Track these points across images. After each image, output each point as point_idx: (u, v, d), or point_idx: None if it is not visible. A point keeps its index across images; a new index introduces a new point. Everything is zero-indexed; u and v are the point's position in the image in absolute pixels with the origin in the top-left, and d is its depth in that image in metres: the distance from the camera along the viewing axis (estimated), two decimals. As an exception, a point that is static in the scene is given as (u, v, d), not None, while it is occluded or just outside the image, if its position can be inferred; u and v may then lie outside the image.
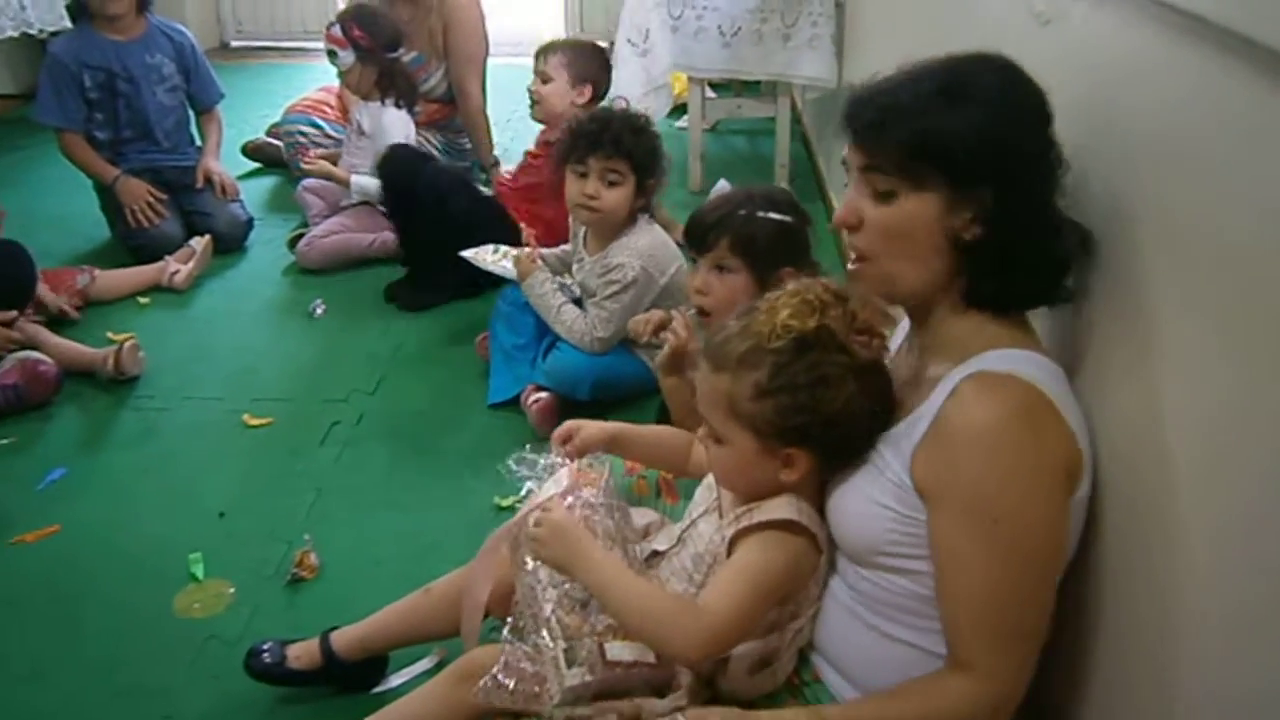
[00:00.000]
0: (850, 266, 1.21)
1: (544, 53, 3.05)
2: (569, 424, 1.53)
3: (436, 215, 2.86)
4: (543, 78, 3.02)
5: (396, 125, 3.24)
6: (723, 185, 1.90)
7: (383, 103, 3.25)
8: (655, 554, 1.38)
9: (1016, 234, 1.11)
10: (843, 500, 1.20)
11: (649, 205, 2.35)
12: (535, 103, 3.06)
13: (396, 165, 2.98)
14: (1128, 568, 1.09)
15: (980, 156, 1.09)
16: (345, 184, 3.22)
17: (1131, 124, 1.10)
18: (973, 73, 1.13)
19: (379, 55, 3.22)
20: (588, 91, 3.04)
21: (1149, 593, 1.04)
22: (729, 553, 1.23)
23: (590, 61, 3.08)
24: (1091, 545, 1.15)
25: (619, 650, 1.21)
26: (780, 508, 1.21)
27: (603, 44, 3.25)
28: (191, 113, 3.51)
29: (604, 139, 2.23)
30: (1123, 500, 1.10)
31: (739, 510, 1.24)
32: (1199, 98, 0.96)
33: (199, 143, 3.51)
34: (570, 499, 1.30)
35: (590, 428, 1.52)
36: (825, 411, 1.15)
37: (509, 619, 1.32)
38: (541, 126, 3.15)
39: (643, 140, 2.27)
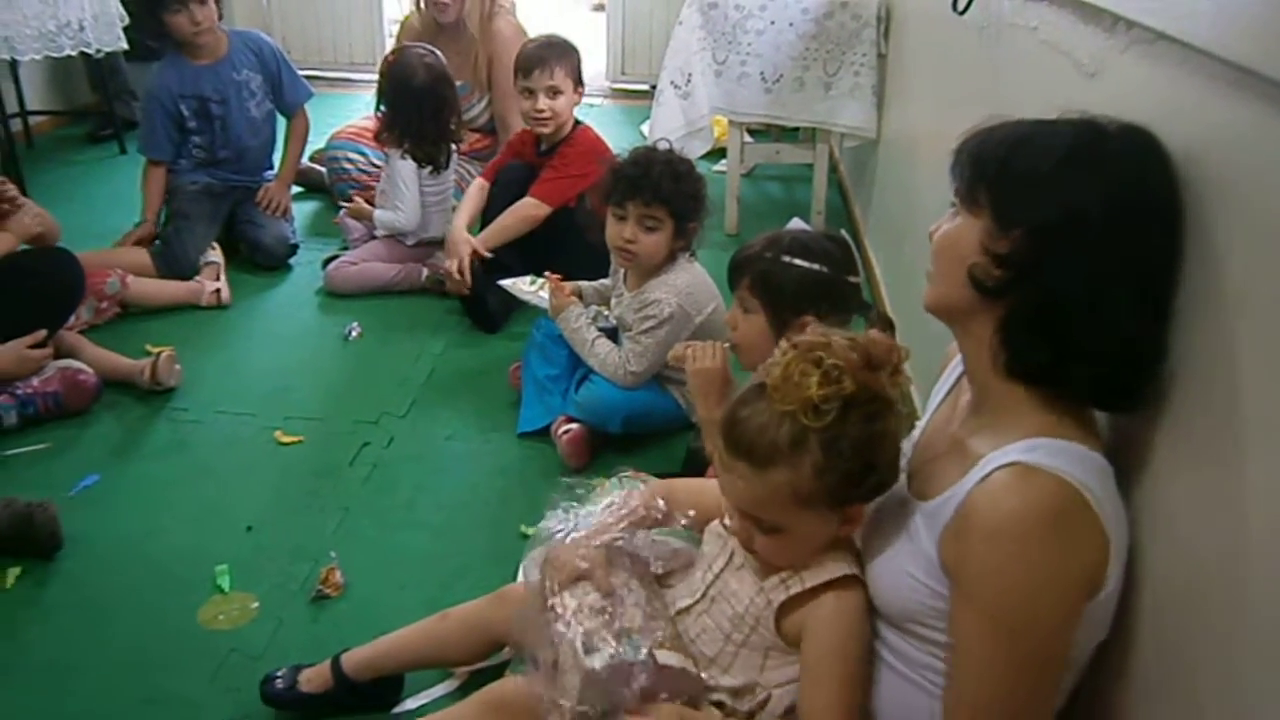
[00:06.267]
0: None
1: (542, 66, 2.91)
2: None
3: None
4: (551, 92, 2.93)
5: (405, 173, 3.20)
6: (796, 223, 1.88)
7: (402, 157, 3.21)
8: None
9: (1050, 300, 1.04)
10: (878, 566, 1.20)
11: (690, 245, 2.34)
12: (546, 118, 2.94)
13: None
14: (1167, 671, 1.05)
15: (1022, 194, 1.04)
16: (370, 218, 3.25)
17: (1180, 172, 1.08)
18: (1098, 128, 1.06)
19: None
20: (583, 89, 3.05)
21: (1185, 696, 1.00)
22: (777, 618, 1.23)
23: (577, 57, 3.03)
24: (1123, 643, 1.11)
25: (668, 657, 1.25)
26: (836, 566, 1.22)
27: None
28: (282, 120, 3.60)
29: (643, 184, 2.22)
30: (1163, 599, 1.06)
31: (783, 575, 1.24)
32: (1247, 148, 0.95)
33: (276, 168, 3.61)
34: (621, 542, 1.35)
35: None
36: (881, 461, 1.17)
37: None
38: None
39: (683, 186, 2.24)
